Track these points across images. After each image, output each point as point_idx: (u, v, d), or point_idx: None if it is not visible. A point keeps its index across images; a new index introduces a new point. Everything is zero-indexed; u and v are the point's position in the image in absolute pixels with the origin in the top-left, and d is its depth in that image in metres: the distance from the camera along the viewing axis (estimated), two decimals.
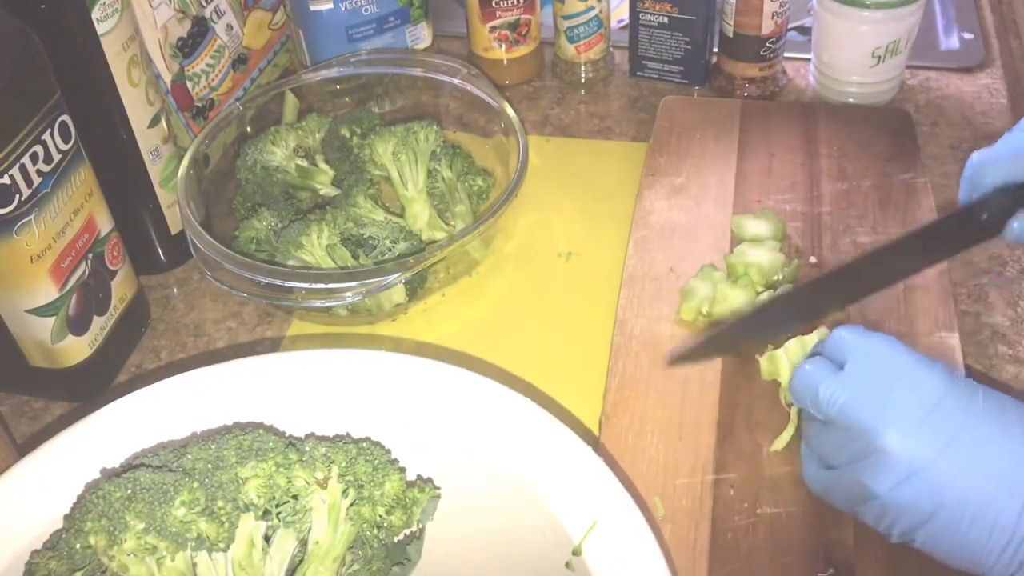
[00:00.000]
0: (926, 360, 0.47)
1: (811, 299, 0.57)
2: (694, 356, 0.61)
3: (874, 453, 0.46)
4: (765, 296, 0.66)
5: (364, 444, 0.52)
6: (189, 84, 0.81)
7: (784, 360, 0.59)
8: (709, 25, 0.90)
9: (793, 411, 0.59)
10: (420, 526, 0.53)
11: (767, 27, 0.86)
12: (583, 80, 0.95)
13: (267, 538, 0.49)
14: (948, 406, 0.45)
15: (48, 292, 0.63)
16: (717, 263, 0.70)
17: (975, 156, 0.55)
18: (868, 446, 0.46)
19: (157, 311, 0.76)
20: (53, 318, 0.64)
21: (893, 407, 0.46)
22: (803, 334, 0.58)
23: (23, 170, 0.59)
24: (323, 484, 0.49)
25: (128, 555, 0.46)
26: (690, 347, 0.60)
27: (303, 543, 0.50)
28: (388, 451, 0.53)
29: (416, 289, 0.72)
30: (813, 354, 0.53)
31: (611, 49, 0.96)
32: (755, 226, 0.72)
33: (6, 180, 0.58)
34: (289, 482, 0.49)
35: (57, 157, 0.61)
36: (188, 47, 0.80)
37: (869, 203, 0.75)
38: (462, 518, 0.53)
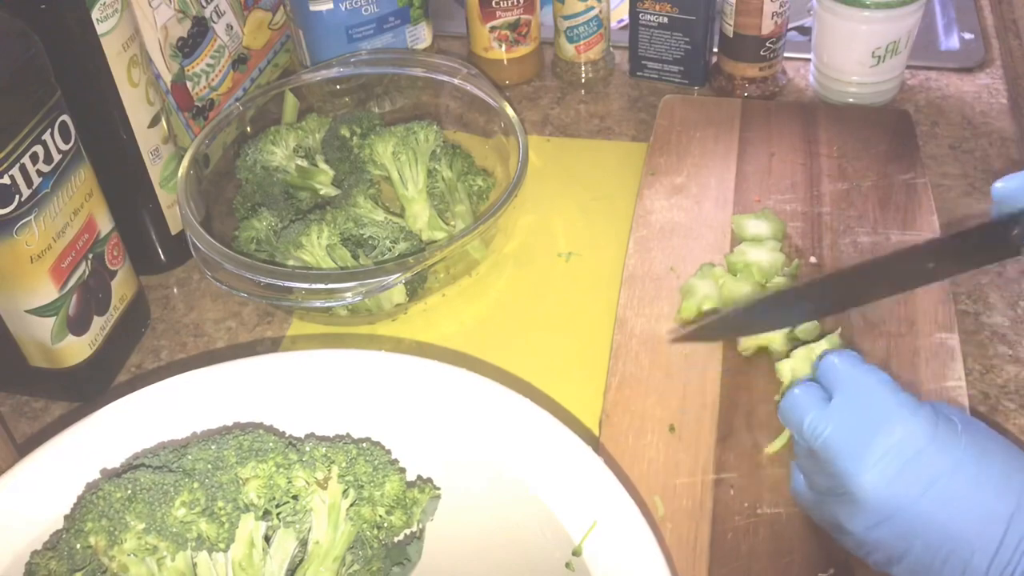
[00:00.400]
0: (913, 403, 0.47)
1: (824, 293, 0.57)
2: (696, 337, 0.62)
3: (850, 494, 0.46)
4: (780, 283, 0.66)
5: (364, 444, 0.52)
6: (189, 84, 0.81)
7: (788, 365, 0.59)
8: (709, 25, 0.90)
9: None
10: (420, 526, 0.53)
11: (767, 27, 0.86)
12: (583, 80, 0.95)
13: (267, 538, 0.49)
14: (929, 454, 0.45)
15: (48, 292, 0.63)
16: (717, 262, 0.70)
17: (996, 186, 0.55)
18: (845, 486, 0.46)
19: (157, 311, 0.76)
20: (53, 318, 0.64)
21: (873, 453, 0.45)
22: (814, 341, 0.59)
23: (23, 170, 0.59)
24: (323, 484, 0.49)
25: (128, 555, 0.46)
26: (693, 329, 0.61)
27: (303, 543, 0.50)
28: (388, 451, 0.53)
29: (416, 289, 0.72)
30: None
31: (611, 49, 0.96)
32: (756, 226, 0.72)
33: (6, 180, 0.58)
34: (289, 482, 0.49)
35: (57, 157, 0.61)
36: (188, 47, 0.80)
37: (869, 203, 0.75)
38: (462, 518, 0.53)
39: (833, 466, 0.47)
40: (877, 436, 0.46)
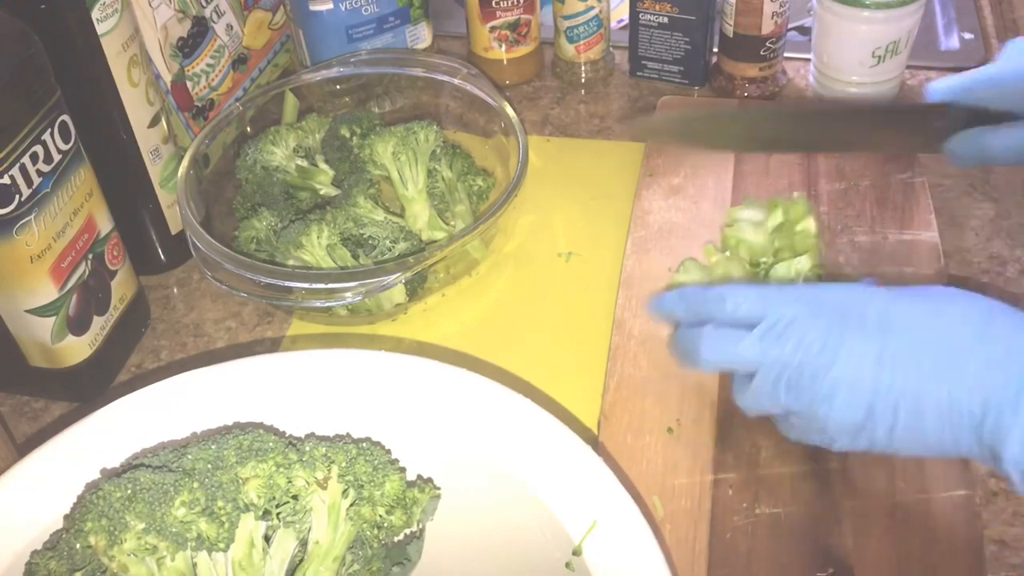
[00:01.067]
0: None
1: (787, 122, 0.63)
2: (663, 130, 0.65)
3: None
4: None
5: (364, 444, 0.52)
6: (189, 84, 0.81)
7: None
8: (709, 25, 0.90)
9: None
10: (420, 526, 0.53)
11: (767, 27, 0.86)
12: (583, 80, 0.95)
13: (267, 538, 0.50)
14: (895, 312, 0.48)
15: (48, 292, 0.63)
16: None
17: (933, 85, 0.59)
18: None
19: (157, 311, 0.76)
20: (53, 318, 0.64)
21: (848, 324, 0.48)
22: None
23: (23, 170, 0.59)
24: (323, 484, 0.49)
25: (128, 555, 0.46)
26: (661, 120, 0.64)
27: (303, 543, 0.50)
28: (388, 451, 0.53)
29: (416, 289, 0.72)
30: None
31: (611, 49, 0.96)
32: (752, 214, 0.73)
33: (6, 180, 0.58)
34: (289, 482, 0.49)
35: (57, 157, 0.62)
36: (188, 47, 0.80)
37: (867, 203, 0.75)
38: (462, 518, 0.53)
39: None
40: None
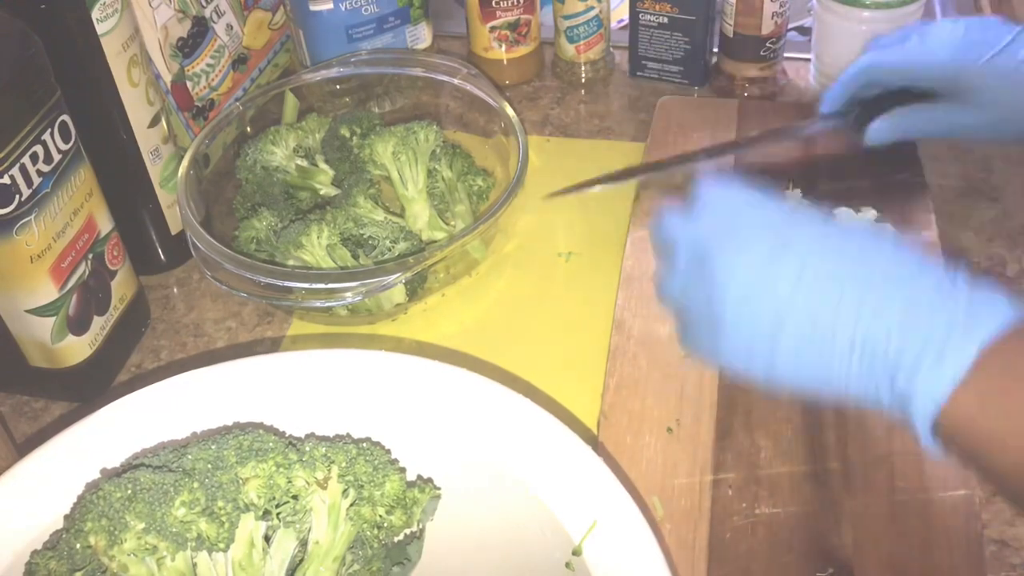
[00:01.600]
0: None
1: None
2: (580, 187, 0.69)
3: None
4: None
5: (364, 444, 0.52)
6: (189, 84, 0.81)
7: None
8: (709, 25, 0.90)
9: None
10: (420, 526, 0.53)
11: (767, 27, 0.86)
12: (583, 80, 0.95)
13: (267, 538, 0.50)
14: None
15: (48, 292, 0.63)
16: None
17: (866, 59, 0.61)
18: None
19: (157, 311, 0.76)
20: (53, 318, 0.64)
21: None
22: None
23: (23, 170, 0.59)
24: (323, 484, 0.49)
25: (128, 555, 0.46)
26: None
27: (303, 543, 0.50)
28: (388, 451, 0.53)
29: (416, 289, 0.72)
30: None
31: (611, 49, 0.96)
32: None
33: (6, 180, 0.58)
34: (289, 482, 0.49)
35: (57, 157, 0.62)
36: (188, 47, 0.80)
37: (867, 202, 0.75)
38: (462, 518, 0.53)
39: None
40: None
